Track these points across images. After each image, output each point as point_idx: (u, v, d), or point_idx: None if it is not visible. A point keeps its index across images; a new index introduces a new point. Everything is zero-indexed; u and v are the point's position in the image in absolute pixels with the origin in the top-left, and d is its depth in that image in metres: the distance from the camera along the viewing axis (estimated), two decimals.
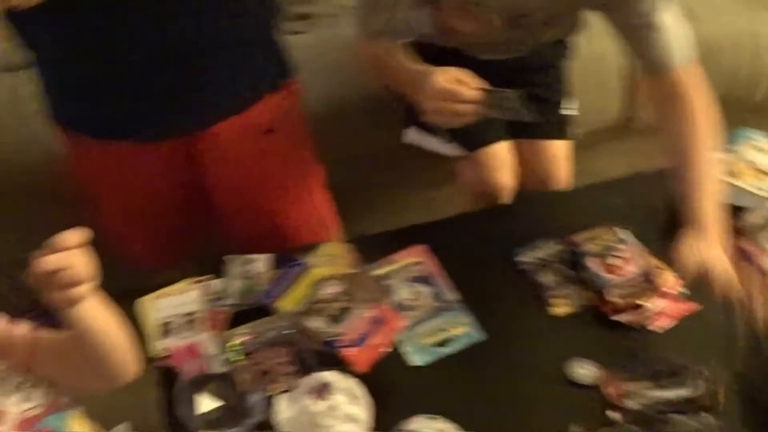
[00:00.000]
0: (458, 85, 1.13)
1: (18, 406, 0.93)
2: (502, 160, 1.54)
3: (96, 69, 1.18)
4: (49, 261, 0.85)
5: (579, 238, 1.27)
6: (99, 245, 1.62)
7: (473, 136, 1.52)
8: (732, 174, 1.30)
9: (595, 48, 1.74)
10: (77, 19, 1.12)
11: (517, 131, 1.59)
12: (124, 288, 1.29)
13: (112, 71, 1.18)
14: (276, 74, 1.35)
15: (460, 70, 1.17)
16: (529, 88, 1.24)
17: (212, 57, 1.22)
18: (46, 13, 1.01)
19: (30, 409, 0.94)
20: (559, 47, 1.60)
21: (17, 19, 1.16)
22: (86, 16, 1.12)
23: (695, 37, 1.25)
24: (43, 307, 1.86)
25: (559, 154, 1.61)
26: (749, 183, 1.28)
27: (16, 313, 0.94)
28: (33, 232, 1.67)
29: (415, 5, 1.35)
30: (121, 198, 1.40)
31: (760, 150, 1.34)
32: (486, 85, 1.16)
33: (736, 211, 1.26)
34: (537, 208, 1.44)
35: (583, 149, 1.96)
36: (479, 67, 1.24)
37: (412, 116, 1.48)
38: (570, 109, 1.65)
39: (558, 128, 1.62)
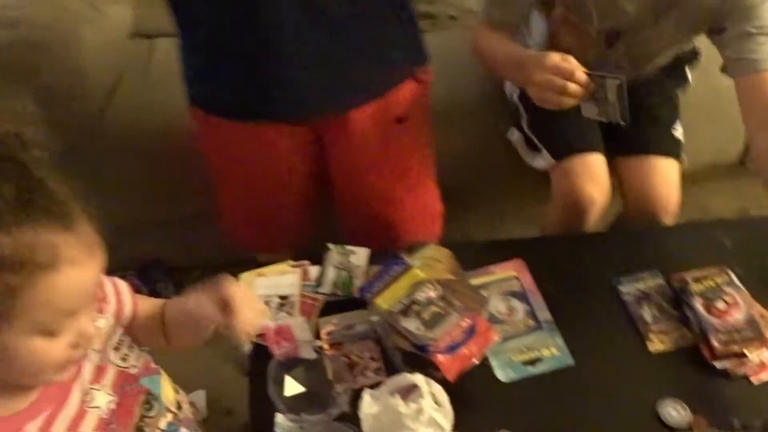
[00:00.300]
0: (573, 64, 1.21)
1: (118, 362, 0.96)
2: (594, 171, 1.51)
3: (246, 45, 1.21)
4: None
5: (686, 275, 1.23)
6: (208, 219, 1.69)
7: (567, 144, 1.52)
8: None
9: (712, 82, 1.69)
10: None
11: (625, 147, 1.57)
12: (227, 261, 1.34)
13: (260, 49, 1.21)
14: (414, 61, 1.37)
15: (565, 54, 1.24)
16: (638, 104, 1.33)
17: (360, 34, 1.24)
18: None
19: (128, 367, 0.97)
20: (673, 75, 1.59)
21: None
22: None
23: None
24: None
25: (668, 176, 1.56)
26: None
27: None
28: (153, 194, 1.76)
29: (534, 5, 1.44)
30: (244, 178, 1.44)
31: None
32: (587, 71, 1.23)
33: None
34: (641, 239, 1.40)
35: (694, 184, 1.90)
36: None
37: (516, 119, 1.55)
38: (680, 133, 1.62)
39: (668, 147, 1.58)
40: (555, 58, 1.21)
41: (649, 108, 1.58)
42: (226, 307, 0.92)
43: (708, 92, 1.71)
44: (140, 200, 1.78)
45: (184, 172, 1.70)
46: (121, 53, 1.80)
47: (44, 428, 0.84)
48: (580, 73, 1.21)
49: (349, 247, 1.31)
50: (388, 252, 1.24)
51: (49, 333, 0.78)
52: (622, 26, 1.45)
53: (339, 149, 1.38)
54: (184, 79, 1.37)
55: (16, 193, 0.73)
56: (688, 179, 1.86)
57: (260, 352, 1.17)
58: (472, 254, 1.29)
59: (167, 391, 1.03)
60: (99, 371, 0.92)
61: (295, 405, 1.09)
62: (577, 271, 1.30)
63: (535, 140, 1.58)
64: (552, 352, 1.17)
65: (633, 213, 1.59)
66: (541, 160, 1.58)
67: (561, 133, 1.49)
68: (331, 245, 1.31)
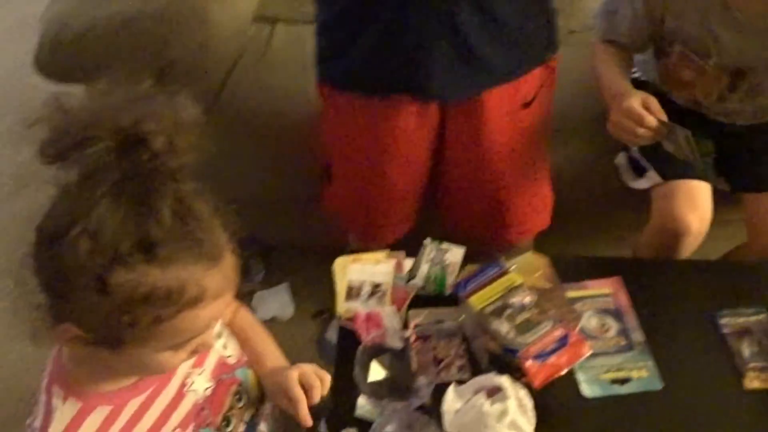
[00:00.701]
0: (644, 111, 1.29)
1: (219, 349, 0.99)
2: (697, 198, 1.48)
3: (387, 15, 1.23)
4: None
5: None
6: (305, 203, 1.72)
7: (675, 167, 1.49)
8: None
9: None
10: None
11: (745, 184, 1.54)
12: (321, 246, 1.37)
13: (402, 19, 1.23)
14: (546, 46, 1.38)
15: (651, 96, 1.32)
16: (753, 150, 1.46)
17: (508, 17, 1.26)
18: None
19: (227, 356, 1.00)
20: None
21: None
22: None
23: None
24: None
25: None
26: None
27: None
28: (257, 173, 1.82)
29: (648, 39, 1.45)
30: (364, 158, 1.45)
31: None
32: (665, 117, 1.30)
33: None
34: (746, 273, 1.36)
35: None
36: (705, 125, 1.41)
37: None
38: None
39: None
40: (633, 102, 1.30)
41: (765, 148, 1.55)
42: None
43: None
44: (242, 178, 1.84)
45: (289, 155, 1.74)
46: (243, 35, 1.85)
47: (145, 405, 0.87)
48: (651, 119, 1.28)
49: (446, 244, 1.32)
50: (484, 253, 1.25)
51: (177, 347, 0.80)
52: (744, 65, 1.43)
53: (464, 129, 1.38)
54: (316, 57, 1.40)
55: (171, 222, 0.72)
56: None
57: (348, 337, 1.19)
58: (570, 267, 1.28)
59: (254, 384, 1.05)
60: (202, 355, 0.93)
61: (377, 390, 1.10)
62: (676, 297, 1.27)
63: (644, 161, 1.55)
64: (641, 374, 1.15)
65: (754, 248, 1.56)
66: (645, 182, 1.56)
67: (670, 157, 1.46)
68: (427, 240, 1.33)
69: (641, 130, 1.29)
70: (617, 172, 1.64)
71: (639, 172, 1.58)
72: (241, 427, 1.01)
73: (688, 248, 1.50)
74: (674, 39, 1.46)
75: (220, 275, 0.77)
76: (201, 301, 0.75)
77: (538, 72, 1.38)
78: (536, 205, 1.52)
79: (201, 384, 0.94)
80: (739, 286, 1.29)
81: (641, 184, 1.57)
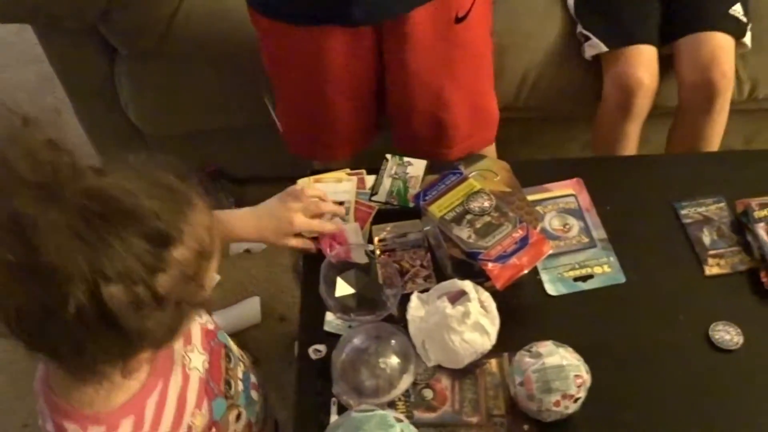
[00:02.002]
0: None
1: (198, 319, 0.98)
2: (646, 59, 1.59)
3: None
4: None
5: (752, 200, 1.20)
6: (268, 130, 1.71)
7: (619, 36, 1.61)
8: None
9: None
10: None
11: (680, 29, 1.62)
12: (297, 174, 1.36)
13: None
14: None
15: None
16: None
17: None
18: None
19: (205, 323, 1.00)
20: None
21: None
22: None
23: None
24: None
25: (721, 44, 1.58)
26: None
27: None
28: (217, 102, 1.79)
29: None
30: (303, 83, 1.43)
31: None
32: None
33: None
34: (705, 163, 1.37)
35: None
36: None
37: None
38: (739, 13, 1.62)
39: (721, 22, 1.60)
40: None
41: None
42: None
43: None
44: (204, 108, 1.81)
45: (250, 82, 1.71)
46: None
47: (161, 401, 0.86)
48: None
49: (407, 159, 1.31)
50: (443, 163, 1.24)
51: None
52: None
53: (397, 48, 1.36)
54: None
55: (158, 205, 0.70)
56: (761, 113, 1.80)
57: (313, 257, 1.20)
58: (531, 171, 1.28)
59: (230, 341, 1.06)
60: (186, 333, 0.93)
61: (344, 305, 1.12)
62: (637, 192, 1.28)
63: (590, 34, 1.64)
64: (604, 269, 1.16)
65: (687, 95, 1.61)
66: (588, 55, 1.65)
67: (614, 22, 1.61)
68: (389, 156, 1.32)
69: None
70: (581, 46, 1.69)
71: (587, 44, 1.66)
72: (240, 386, 1.02)
73: (643, 106, 1.58)
74: None
75: (207, 210, 0.77)
76: (214, 240, 0.76)
77: None
78: (479, 122, 1.51)
79: (197, 359, 0.94)
80: (698, 176, 1.29)
81: (587, 56, 1.65)
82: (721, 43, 1.57)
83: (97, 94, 1.78)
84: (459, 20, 1.33)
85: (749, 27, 1.62)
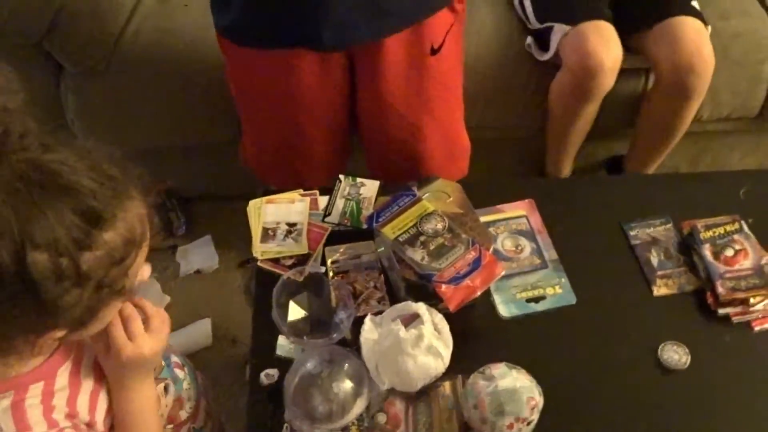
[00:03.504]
0: None
1: None
2: (606, 35, 1.57)
3: None
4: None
5: (697, 222, 1.23)
6: (221, 149, 1.68)
7: (579, 11, 1.60)
8: None
9: (732, 26, 1.67)
10: None
11: (647, 18, 1.63)
12: (248, 191, 1.34)
13: None
14: None
15: None
16: None
17: None
18: None
19: None
20: None
21: None
22: None
23: None
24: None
25: (693, 31, 1.59)
26: None
27: None
28: (168, 120, 1.76)
29: None
30: (274, 110, 1.41)
31: None
32: None
33: None
34: (653, 184, 1.39)
35: (712, 139, 1.88)
36: None
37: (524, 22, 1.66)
38: (698, 7, 1.66)
39: (689, 11, 1.62)
40: None
41: None
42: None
43: (727, 38, 1.67)
44: (153, 126, 1.78)
45: (198, 100, 1.70)
46: None
47: (74, 370, 0.87)
48: None
49: (360, 179, 1.31)
50: (396, 184, 1.24)
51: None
52: None
53: (370, 77, 1.35)
54: (212, 8, 1.34)
55: (92, 184, 0.71)
56: (707, 133, 1.84)
57: (265, 279, 1.18)
58: (483, 192, 1.29)
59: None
60: None
61: (297, 329, 1.10)
62: (588, 213, 1.30)
63: (552, 23, 1.62)
64: (555, 290, 1.17)
65: (666, 87, 1.62)
66: (554, 41, 1.62)
67: (570, 3, 1.61)
68: (342, 176, 1.31)
69: None
70: (530, 53, 1.68)
71: (544, 47, 1.64)
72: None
73: (602, 88, 1.58)
74: None
75: (143, 203, 0.79)
76: (145, 232, 0.78)
77: (444, 15, 1.34)
78: (452, 153, 1.51)
79: None
80: (645, 197, 1.32)
81: (553, 46, 1.62)
82: (697, 26, 1.59)
83: (42, 110, 1.74)
84: (434, 52, 1.34)
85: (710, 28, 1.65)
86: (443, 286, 1.06)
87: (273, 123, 1.44)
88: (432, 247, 1.10)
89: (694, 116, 1.72)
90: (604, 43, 1.53)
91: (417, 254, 1.09)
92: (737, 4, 1.72)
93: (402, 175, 1.46)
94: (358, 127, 1.47)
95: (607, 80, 1.55)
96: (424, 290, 1.10)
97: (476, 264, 1.08)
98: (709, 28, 1.62)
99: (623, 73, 1.65)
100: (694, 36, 1.56)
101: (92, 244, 0.71)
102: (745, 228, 1.23)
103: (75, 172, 0.70)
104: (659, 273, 1.20)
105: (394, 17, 1.29)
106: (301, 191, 1.31)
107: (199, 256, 1.97)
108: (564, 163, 1.76)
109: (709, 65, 1.56)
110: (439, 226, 1.12)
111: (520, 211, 1.28)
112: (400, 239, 1.12)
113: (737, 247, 1.19)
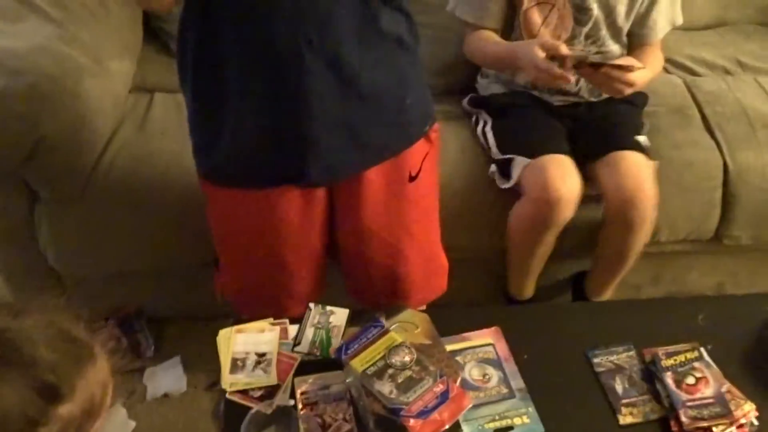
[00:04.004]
0: (549, 64, 1.51)
1: None
2: (564, 168, 1.63)
3: (270, 112, 1.24)
4: None
5: (658, 349, 1.26)
6: (191, 272, 1.70)
7: (538, 146, 1.66)
8: None
9: (685, 155, 1.76)
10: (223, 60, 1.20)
11: (595, 152, 1.69)
12: (217, 313, 1.35)
13: (285, 116, 1.23)
14: (425, 119, 1.41)
15: (542, 39, 1.59)
16: (603, 114, 1.74)
17: (377, 96, 1.28)
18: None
19: None
20: (630, 98, 1.73)
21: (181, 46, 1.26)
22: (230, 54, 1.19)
23: None
24: None
25: (635, 166, 1.65)
26: None
27: None
28: (140, 245, 1.78)
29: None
30: (255, 247, 1.42)
31: None
32: (566, 50, 1.52)
33: None
34: (616, 312, 1.43)
35: (671, 260, 1.95)
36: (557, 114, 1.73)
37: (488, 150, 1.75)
38: (645, 140, 1.73)
39: (633, 145, 1.68)
40: (536, 59, 1.51)
41: (614, 115, 1.76)
42: None
43: (680, 167, 1.76)
44: (126, 251, 1.80)
45: (172, 225, 1.72)
46: (121, 106, 1.84)
47: None
48: (569, 76, 1.51)
49: (330, 307, 1.33)
50: (367, 314, 1.26)
51: None
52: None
53: (351, 207, 1.39)
54: (195, 153, 1.37)
55: (51, 356, 0.71)
56: (666, 254, 1.91)
57: (234, 410, 1.18)
58: (450, 320, 1.31)
59: None
60: None
61: None
62: (553, 340, 1.32)
63: (512, 155, 1.68)
64: (523, 420, 1.18)
65: (612, 217, 1.67)
66: (515, 171, 1.66)
67: (530, 139, 1.69)
68: (311, 305, 1.33)
69: (557, 74, 1.51)
70: (494, 180, 1.73)
71: (507, 176, 1.69)
72: None
73: (561, 218, 1.62)
74: None
75: (107, 363, 0.78)
76: (106, 398, 0.77)
77: (420, 144, 1.40)
78: (433, 272, 1.55)
79: None
80: (609, 324, 1.35)
81: (514, 177, 1.67)
82: (640, 161, 1.65)
83: (14, 236, 1.75)
84: (412, 179, 1.39)
85: (656, 163, 1.71)
86: (411, 420, 1.07)
87: (255, 260, 1.45)
88: (400, 380, 1.11)
89: (651, 239, 1.78)
90: (562, 176, 1.59)
91: (385, 387, 1.11)
92: (688, 135, 1.82)
93: (385, 298, 1.50)
94: (338, 253, 1.50)
95: (567, 211, 1.60)
96: (392, 423, 1.10)
97: (444, 397, 1.10)
98: (656, 162, 1.69)
99: (585, 198, 1.72)
100: (635, 170, 1.63)
101: (47, 420, 0.70)
102: (705, 355, 1.26)
103: (35, 344, 0.70)
104: (624, 401, 1.22)
105: (376, 150, 1.35)
106: (272, 320, 1.32)
107: (166, 378, 1.94)
108: (526, 285, 1.80)
109: (649, 199, 1.62)
110: (407, 358, 1.14)
111: (486, 338, 1.31)
112: (368, 372, 1.13)
113: (698, 374, 1.22)
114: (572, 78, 1.56)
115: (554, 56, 1.52)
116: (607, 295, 1.85)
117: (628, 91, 1.60)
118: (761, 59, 2.10)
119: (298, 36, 1.17)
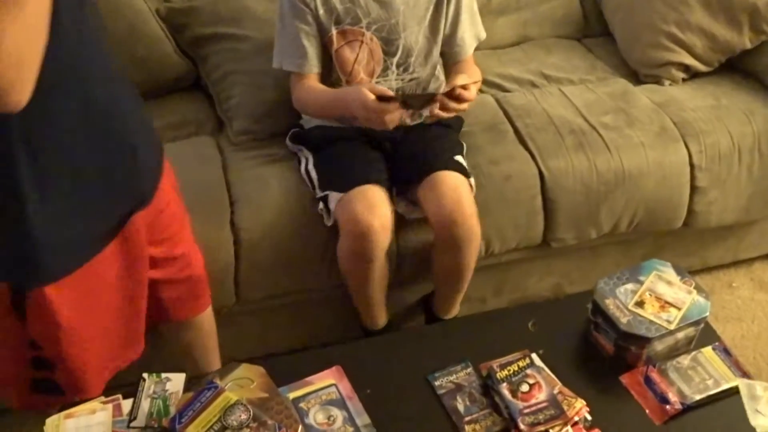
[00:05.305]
0: (380, 105, 1.55)
1: None
2: (371, 199, 1.64)
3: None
4: None
5: (493, 362, 1.30)
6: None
7: (349, 179, 1.69)
8: (638, 304, 1.35)
9: (503, 169, 1.85)
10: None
11: (416, 176, 1.73)
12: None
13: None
14: (161, 154, 1.38)
15: (369, 84, 1.64)
16: (420, 140, 1.78)
17: (137, 141, 1.25)
18: None
19: None
20: (445, 121, 1.79)
21: None
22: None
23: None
24: None
25: (453, 185, 1.69)
26: (653, 313, 1.34)
27: None
28: None
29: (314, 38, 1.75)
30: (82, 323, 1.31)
31: (667, 282, 1.40)
32: (390, 93, 1.57)
33: (642, 341, 1.31)
34: (452, 331, 1.47)
35: (509, 269, 2.03)
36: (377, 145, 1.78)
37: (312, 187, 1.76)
38: (463, 161, 1.79)
39: (451, 165, 1.73)
40: (366, 101, 1.55)
41: (432, 138, 1.80)
42: None
43: (500, 181, 1.84)
44: None
45: None
46: None
47: None
48: (396, 115, 1.58)
49: (165, 374, 1.28)
50: (202, 376, 1.23)
51: None
52: (391, 32, 1.76)
53: (143, 248, 1.34)
54: None
55: None
56: (503, 264, 1.98)
57: None
58: (290, 366, 1.31)
59: None
60: None
61: None
62: (394, 370, 1.34)
63: (328, 192, 1.70)
64: None
65: (439, 237, 1.71)
66: (333, 204, 1.68)
67: (343, 172, 1.71)
68: (145, 375, 1.28)
69: (389, 117, 1.57)
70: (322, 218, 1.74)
71: (329, 213, 1.71)
72: None
73: (378, 247, 1.64)
74: (329, 26, 1.74)
75: None
76: None
77: (167, 178, 1.39)
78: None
79: None
80: (445, 344, 1.39)
81: (331, 213, 1.69)
82: (457, 180, 1.70)
83: None
84: (165, 206, 1.37)
85: (472, 180, 1.78)
86: None
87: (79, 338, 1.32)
88: None
89: (486, 252, 1.85)
90: (369, 207, 1.62)
91: None
92: (504, 150, 1.90)
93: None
94: None
95: (382, 240, 1.63)
96: None
97: None
98: (471, 179, 1.76)
99: (416, 222, 1.76)
100: (453, 189, 1.68)
101: None
102: (536, 361, 1.32)
103: None
104: (467, 419, 1.25)
105: (143, 192, 1.31)
106: (103, 398, 1.26)
107: None
108: (376, 315, 1.82)
109: (469, 216, 1.68)
110: (243, 416, 1.12)
111: (329, 380, 1.30)
112: None
113: (531, 381, 1.27)
114: (407, 117, 1.63)
115: (382, 98, 1.56)
116: (455, 311, 1.90)
117: (464, 107, 1.64)
118: (563, 70, 2.24)
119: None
